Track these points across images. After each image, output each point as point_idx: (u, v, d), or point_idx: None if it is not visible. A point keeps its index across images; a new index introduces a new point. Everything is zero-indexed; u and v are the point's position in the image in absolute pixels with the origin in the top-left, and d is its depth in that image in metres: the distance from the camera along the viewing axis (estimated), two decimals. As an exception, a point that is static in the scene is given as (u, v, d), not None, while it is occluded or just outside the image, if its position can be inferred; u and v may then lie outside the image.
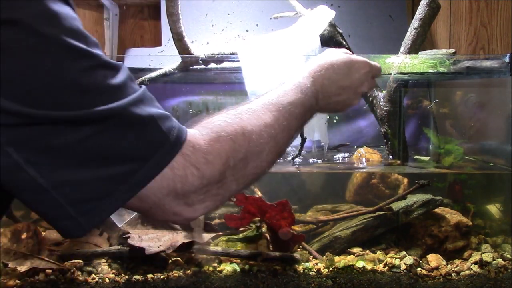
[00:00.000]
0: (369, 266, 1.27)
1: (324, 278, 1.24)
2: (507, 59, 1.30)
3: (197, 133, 0.59)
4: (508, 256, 1.30)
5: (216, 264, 1.27)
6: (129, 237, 1.27)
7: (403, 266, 1.26)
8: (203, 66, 1.40)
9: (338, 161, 1.54)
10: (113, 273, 1.23)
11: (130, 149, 0.52)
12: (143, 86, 0.57)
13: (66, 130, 0.48)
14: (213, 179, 0.58)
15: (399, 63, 1.34)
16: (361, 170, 1.57)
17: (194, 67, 1.40)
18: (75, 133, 0.49)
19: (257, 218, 1.33)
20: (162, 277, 1.22)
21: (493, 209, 1.53)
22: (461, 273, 1.26)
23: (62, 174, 0.49)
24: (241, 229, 1.38)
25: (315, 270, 1.25)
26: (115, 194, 0.52)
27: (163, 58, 1.66)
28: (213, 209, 0.62)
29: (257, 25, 1.80)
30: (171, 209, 0.56)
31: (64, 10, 0.50)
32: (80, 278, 1.21)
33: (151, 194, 0.54)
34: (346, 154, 1.60)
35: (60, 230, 0.52)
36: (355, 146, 1.68)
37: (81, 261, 1.24)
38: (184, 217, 0.58)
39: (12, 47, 0.46)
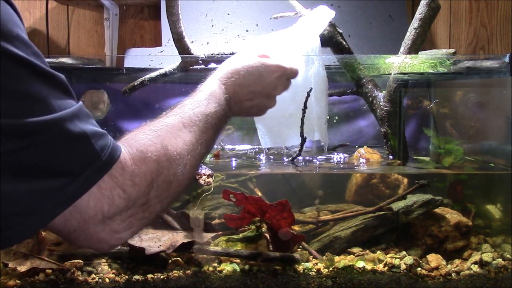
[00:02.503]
0: (369, 266, 1.27)
1: (324, 278, 1.24)
2: (507, 59, 1.30)
3: (126, 152, 0.58)
4: (508, 256, 1.30)
5: (216, 264, 1.27)
6: (129, 237, 1.27)
7: (403, 266, 1.26)
8: (203, 66, 1.40)
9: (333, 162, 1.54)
10: (113, 273, 1.23)
11: (60, 164, 0.51)
12: (80, 102, 0.56)
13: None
14: (139, 201, 0.58)
15: (399, 63, 1.34)
16: (361, 170, 1.57)
17: (194, 67, 1.40)
18: (7, 143, 0.47)
19: (257, 218, 1.33)
20: (162, 277, 1.22)
21: (493, 209, 1.53)
22: (461, 273, 1.26)
23: None
24: (241, 229, 1.38)
25: (315, 270, 1.25)
26: (43, 209, 0.50)
27: (163, 58, 1.67)
28: (136, 233, 0.61)
29: (257, 25, 1.80)
30: (95, 235, 0.55)
31: (6, 15, 0.49)
32: (80, 278, 1.21)
33: (76, 213, 0.53)
34: (342, 155, 1.59)
35: None
36: (356, 146, 1.68)
37: (81, 261, 1.24)
38: (109, 245, 0.57)
39: None
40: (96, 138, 0.54)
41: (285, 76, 0.92)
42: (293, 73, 0.94)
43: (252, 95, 0.86)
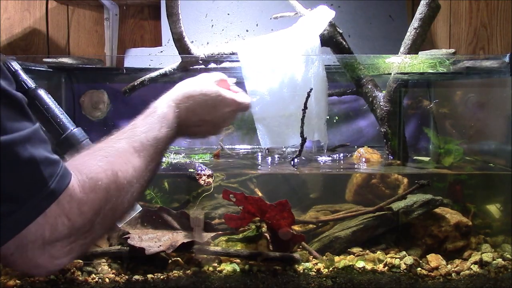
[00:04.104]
0: (369, 266, 1.27)
1: (324, 278, 1.24)
2: (507, 59, 1.30)
3: (75, 179, 0.57)
4: (508, 256, 1.30)
5: (216, 264, 1.27)
6: (129, 237, 1.27)
7: (403, 266, 1.26)
8: (203, 66, 1.40)
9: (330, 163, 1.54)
10: (113, 273, 1.23)
11: (6, 189, 0.49)
12: (37, 125, 0.54)
13: None
14: (82, 229, 0.56)
15: (399, 63, 1.34)
16: (361, 171, 1.57)
17: (194, 67, 1.40)
18: None
19: (257, 218, 1.33)
20: (162, 277, 1.22)
21: (493, 209, 1.53)
22: (461, 273, 1.26)
23: None
24: (241, 229, 1.38)
25: (315, 270, 1.25)
26: None
27: (163, 58, 1.67)
28: (76, 258, 0.60)
29: (257, 25, 1.80)
30: (34, 259, 0.53)
31: None
32: (80, 278, 1.21)
33: (16, 237, 0.51)
34: (340, 156, 1.59)
35: None
36: (355, 146, 1.68)
37: (81, 261, 1.24)
38: (46, 270, 0.55)
39: None
40: (45, 164, 0.53)
41: (238, 111, 0.92)
42: (245, 108, 0.93)
43: (202, 122, 0.86)
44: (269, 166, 1.50)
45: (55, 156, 0.55)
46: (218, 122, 0.89)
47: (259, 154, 1.61)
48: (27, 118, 0.53)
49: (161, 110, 0.78)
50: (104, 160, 0.62)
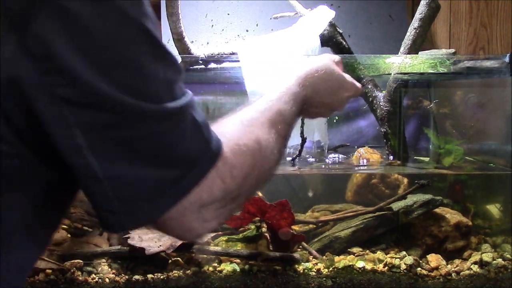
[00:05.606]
0: (369, 266, 1.27)
1: (324, 278, 1.24)
2: (507, 59, 1.30)
3: (225, 144, 0.57)
4: (508, 256, 1.30)
5: (216, 264, 1.27)
6: (129, 237, 1.27)
7: (403, 266, 1.26)
8: (203, 66, 1.40)
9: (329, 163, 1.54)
10: (113, 273, 1.23)
11: (183, 152, 0.50)
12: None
13: (134, 122, 0.46)
14: (233, 193, 0.57)
15: (399, 63, 1.34)
16: (361, 171, 1.57)
17: (194, 67, 1.40)
18: (142, 127, 0.47)
19: (257, 218, 1.33)
20: (162, 277, 1.22)
21: (493, 209, 1.53)
22: (461, 273, 1.26)
23: (118, 168, 0.47)
24: (241, 229, 1.38)
25: (315, 270, 1.25)
26: (163, 197, 0.49)
27: (163, 58, 1.66)
28: (220, 225, 0.61)
29: (257, 25, 1.80)
30: (188, 223, 0.53)
31: None
32: (80, 278, 1.21)
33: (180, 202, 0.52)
34: (339, 156, 1.59)
35: (101, 221, 0.50)
36: (355, 147, 1.68)
37: (81, 261, 1.24)
38: (197, 233, 0.56)
39: (96, 23, 0.43)
40: (206, 128, 0.53)
41: (353, 96, 0.89)
42: (359, 94, 0.92)
43: (321, 104, 0.83)
44: None
45: (207, 120, 0.55)
46: (334, 106, 0.87)
47: None
48: (183, 82, 0.53)
49: (293, 88, 0.77)
50: (248, 129, 0.62)
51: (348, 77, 0.86)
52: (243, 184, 0.58)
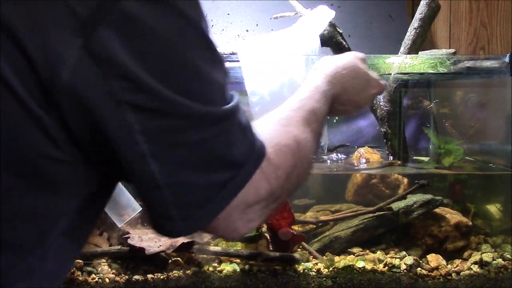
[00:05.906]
0: (369, 266, 1.27)
1: (324, 278, 1.24)
2: (507, 59, 1.30)
3: (267, 145, 0.57)
4: (508, 256, 1.30)
5: (216, 264, 1.27)
6: (129, 237, 1.27)
7: (403, 266, 1.26)
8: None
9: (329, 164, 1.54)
10: (113, 273, 1.23)
11: (231, 155, 0.50)
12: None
13: (194, 126, 0.47)
14: (276, 194, 0.57)
15: (399, 63, 1.34)
16: (361, 171, 1.57)
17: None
18: (200, 131, 0.47)
19: (257, 218, 1.32)
20: (162, 277, 1.22)
21: (493, 209, 1.53)
22: (461, 273, 1.26)
23: (178, 175, 0.47)
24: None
25: (315, 270, 1.25)
26: (214, 201, 0.50)
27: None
28: (263, 223, 0.61)
29: (257, 25, 1.80)
30: (234, 223, 0.54)
31: None
32: (80, 278, 1.21)
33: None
34: (340, 156, 1.59)
35: (156, 227, 0.50)
36: (355, 147, 1.68)
37: (81, 261, 1.24)
38: (240, 233, 0.56)
39: (158, 27, 0.44)
40: (249, 129, 0.54)
41: (378, 94, 0.89)
42: (383, 91, 0.92)
43: (347, 102, 0.83)
44: None
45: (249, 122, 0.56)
46: (361, 103, 0.86)
47: None
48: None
49: (322, 87, 0.76)
50: (286, 129, 0.63)
51: (373, 74, 0.86)
52: (286, 183, 0.58)
